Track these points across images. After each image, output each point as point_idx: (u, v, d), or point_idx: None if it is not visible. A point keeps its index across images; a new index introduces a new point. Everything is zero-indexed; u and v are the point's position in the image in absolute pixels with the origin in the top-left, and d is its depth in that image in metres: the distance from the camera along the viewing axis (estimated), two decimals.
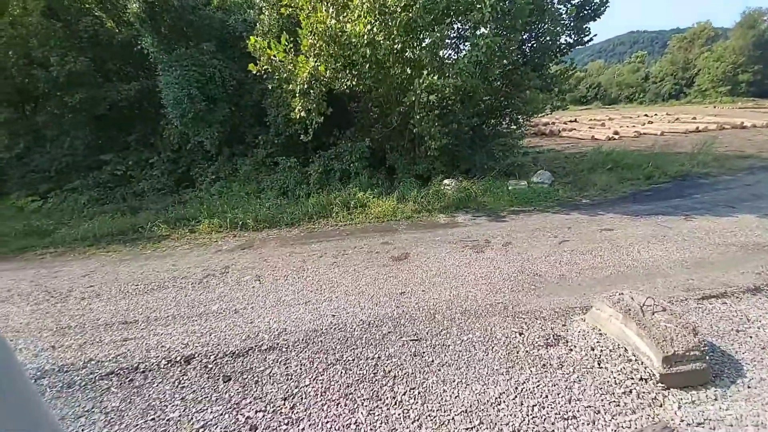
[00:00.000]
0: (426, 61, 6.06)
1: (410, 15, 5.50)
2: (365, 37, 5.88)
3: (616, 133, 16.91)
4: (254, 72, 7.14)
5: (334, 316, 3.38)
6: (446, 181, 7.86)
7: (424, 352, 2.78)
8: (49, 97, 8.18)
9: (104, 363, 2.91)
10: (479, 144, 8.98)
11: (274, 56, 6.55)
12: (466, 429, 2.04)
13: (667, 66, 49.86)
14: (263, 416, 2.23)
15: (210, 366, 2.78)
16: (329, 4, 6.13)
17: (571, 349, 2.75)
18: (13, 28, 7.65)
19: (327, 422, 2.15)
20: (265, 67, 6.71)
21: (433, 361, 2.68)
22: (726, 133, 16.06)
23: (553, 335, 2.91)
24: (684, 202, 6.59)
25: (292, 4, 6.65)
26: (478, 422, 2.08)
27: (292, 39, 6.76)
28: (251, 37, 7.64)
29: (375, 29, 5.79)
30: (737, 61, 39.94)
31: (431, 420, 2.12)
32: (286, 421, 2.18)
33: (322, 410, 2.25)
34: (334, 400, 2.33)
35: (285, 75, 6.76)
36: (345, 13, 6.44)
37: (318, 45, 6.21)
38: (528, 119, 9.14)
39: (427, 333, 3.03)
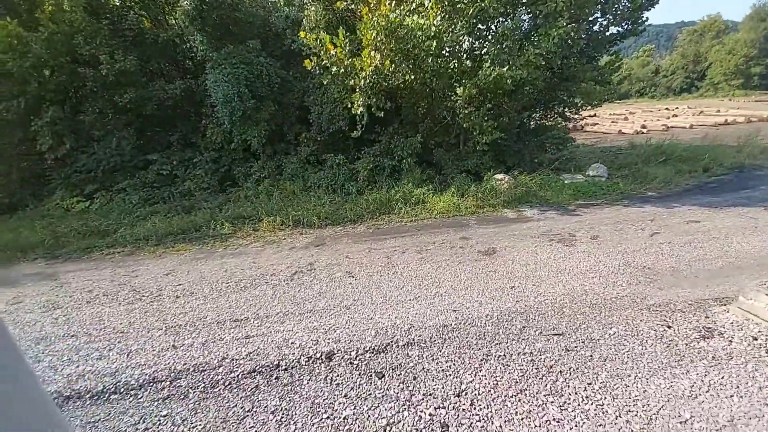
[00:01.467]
0: (494, 52, 5.95)
1: (482, 5, 5.38)
2: (431, 29, 5.77)
3: (643, 126, 16.73)
4: (308, 68, 7.07)
5: (455, 311, 3.29)
6: (498, 176, 7.75)
7: (575, 347, 2.68)
8: (96, 96, 8.13)
9: (239, 361, 2.83)
10: (525, 138, 8.86)
11: (333, 52, 6.45)
12: (680, 422, 1.94)
13: (678, 59, 49.36)
14: (446, 413, 2.14)
15: (354, 362, 2.70)
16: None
17: (731, 340, 2.64)
18: (54, 23, 7.57)
19: (522, 418, 2.05)
20: (324, 62, 6.62)
21: (591, 356, 2.58)
22: (756, 125, 15.81)
23: (704, 327, 2.80)
24: (753, 193, 6.44)
25: None
26: (688, 415, 1.98)
27: (348, 34, 6.67)
28: (309, 33, 7.57)
29: (442, 21, 5.69)
30: (749, 54, 39.43)
31: (635, 415, 2.02)
32: (476, 417, 2.09)
33: (506, 406, 2.16)
34: (512, 395, 2.24)
35: (342, 70, 6.66)
36: (403, 5, 6.35)
37: (379, 39, 6.11)
38: (576, 112, 9.01)
39: (566, 327, 2.93)
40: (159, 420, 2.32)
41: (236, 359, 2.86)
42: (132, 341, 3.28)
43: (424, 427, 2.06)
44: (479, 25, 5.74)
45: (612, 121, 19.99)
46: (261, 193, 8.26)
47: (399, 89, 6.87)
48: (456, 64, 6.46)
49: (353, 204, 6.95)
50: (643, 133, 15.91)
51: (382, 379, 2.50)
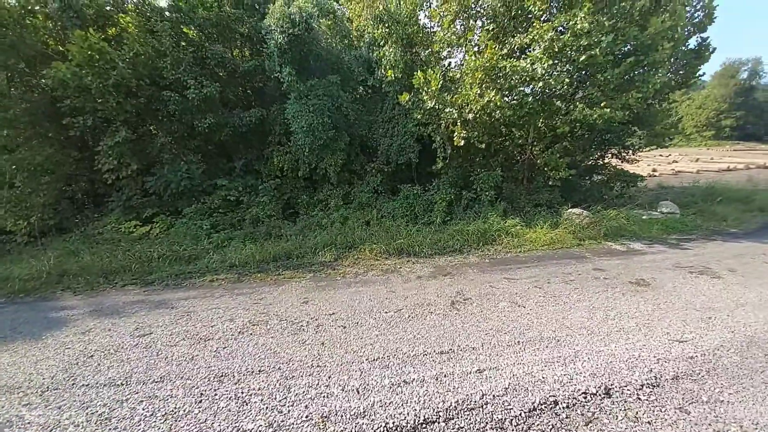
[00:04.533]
0: (595, 95, 6.38)
1: (592, 55, 5.83)
2: (537, 72, 6.16)
3: (654, 170, 17.87)
4: (402, 103, 7.32)
5: (681, 342, 3.16)
6: (574, 211, 7.93)
7: None
8: (172, 120, 7.98)
9: (503, 399, 2.55)
10: (585, 175, 9.25)
11: (433, 88, 6.73)
12: None
13: None
14: None
15: (644, 395, 2.48)
16: (502, 45, 6.49)
17: None
18: (140, 45, 7.56)
19: None
20: (423, 96, 6.87)
21: None
22: (756, 172, 17.25)
23: None
24: None
25: (450, 42, 7.00)
26: None
27: (442, 72, 7.03)
28: (390, 71, 7.96)
29: (549, 68, 6.09)
30: (720, 108, 43.91)
31: None
32: None
33: None
34: None
35: (439, 105, 6.91)
36: (505, 49, 6.80)
37: (481, 77, 6.44)
38: (634, 153, 9.58)
39: None
40: None
41: (495, 395, 2.58)
42: (344, 376, 2.91)
43: None
44: (587, 72, 6.21)
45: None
46: (335, 221, 8.06)
47: (494, 125, 7.12)
48: (550, 104, 6.86)
49: (442, 234, 6.85)
50: (654, 175, 16.99)
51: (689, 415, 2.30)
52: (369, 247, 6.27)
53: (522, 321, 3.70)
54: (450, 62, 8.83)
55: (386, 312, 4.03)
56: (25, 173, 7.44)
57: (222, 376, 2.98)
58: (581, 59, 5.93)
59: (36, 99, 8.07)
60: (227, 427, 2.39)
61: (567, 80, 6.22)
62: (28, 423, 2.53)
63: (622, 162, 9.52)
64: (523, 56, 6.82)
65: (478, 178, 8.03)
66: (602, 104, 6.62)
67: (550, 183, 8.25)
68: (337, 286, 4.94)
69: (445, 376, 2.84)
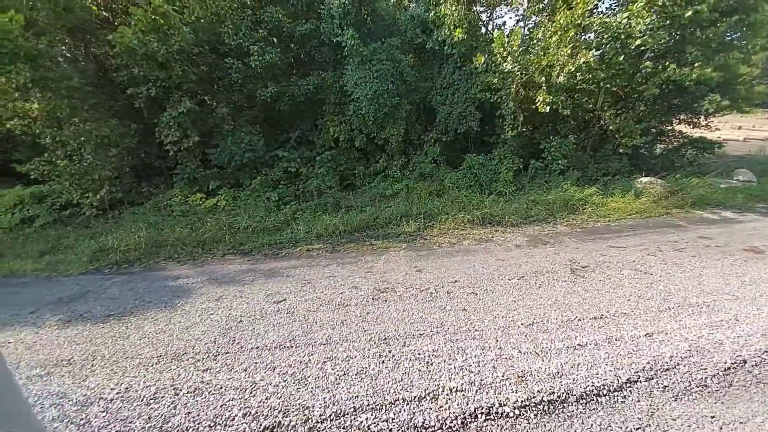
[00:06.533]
0: (695, 54, 5.97)
1: (698, 10, 5.39)
2: (637, 30, 5.74)
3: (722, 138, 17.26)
4: (475, 65, 6.97)
5: None
6: (646, 179, 7.71)
7: None
8: (232, 90, 7.75)
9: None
10: (654, 142, 8.91)
11: (513, 48, 6.35)
12: None
13: None
14: None
15: None
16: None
17: None
18: (201, 9, 7.19)
19: None
20: (499, 59, 6.51)
21: None
22: None
23: None
24: None
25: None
26: None
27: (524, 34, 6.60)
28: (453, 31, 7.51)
29: (651, 23, 5.66)
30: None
31: None
32: None
33: None
34: None
35: (516, 68, 6.55)
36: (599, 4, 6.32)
37: (571, 37, 6.05)
38: (707, 118, 9.14)
39: None
40: None
41: (682, 357, 2.60)
42: (511, 339, 2.95)
43: None
44: (689, 30, 5.77)
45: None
46: (399, 192, 7.98)
47: (575, 89, 6.77)
48: (640, 64, 6.46)
49: (517, 204, 6.74)
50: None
51: None
52: (450, 217, 6.23)
53: (657, 287, 3.68)
54: (516, 21, 8.29)
55: (509, 279, 4.04)
56: (92, 145, 7.40)
57: (386, 339, 3.04)
58: (686, 15, 5.49)
59: (92, 68, 7.89)
60: (430, 384, 2.46)
61: (666, 38, 5.81)
62: (221, 388, 2.55)
63: (692, 128, 9.10)
64: (610, 12, 6.34)
65: (549, 147, 7.76)
66: (695, 65, 6.22)
67: (621, 151, 7.97)
68: (438, 254, 4.95)
69: (616, 339, 2.87)
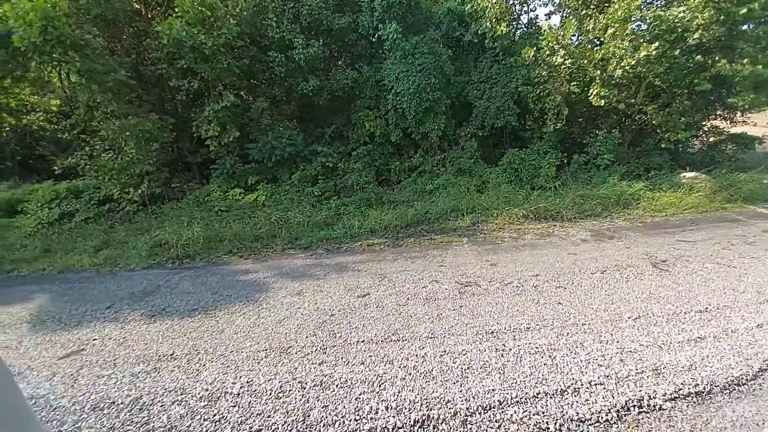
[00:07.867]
0: (746, 50, 5.94)
1: (751, 8, 5.34)
2: (693, 23, 5.68)
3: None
4: (525, 58, 6.89)
5: None
6: (688, 174, 7.67)
7: None
8: (273, 84, 7.67)
9: None
10: (691, 137, 8.86)
11: (565, 40, 6.28)
12: None
13: None
14: None
15: None
16: None
17: None
18: (245, 0, 7.07)
19: None
20: (546, 51, 6.44)
21: None
22: None
23: None
24: None
25: None
26: None
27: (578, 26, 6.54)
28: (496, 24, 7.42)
29: (709, 17, 5.60)
30: None
31: None
32: None
33: None
34: None
35: (569, 61, 6.49)
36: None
37: (630, 29, 5.98)
38: (745, 113, 9.11)
39: None
40: None
41: None
42: (623, 333, 2.91)
43: None
44: (742, 26, 5.73)
45: None
46: (438, 187, 7.93)
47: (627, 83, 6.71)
48: (692, 59, 6.41)
49: (563, 199, 6.70)
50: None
51: None
52: (502, 212, 6.19)
53: (747, 280, 3.65)
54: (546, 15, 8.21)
55: (591, 273, 4.01)
56: (134, 139, 7.32)
57: (493, 332, 3.00)
58: (741, 12, 5.44)
59: (128, 61, 7.79)
60: (565, 378, 2.43)
61: (721, 33, 5.75)
62: (346, 381, 2.50)
63: (730, 124, 9.07)
64: (664, 6, 6.27)
65: (594, 141, 7.70)
66: (745, 61, 6.19)
67: (663, 146, 7.92)
68: (504, 248, 4.92)
69: (732, 332, 2.84)
